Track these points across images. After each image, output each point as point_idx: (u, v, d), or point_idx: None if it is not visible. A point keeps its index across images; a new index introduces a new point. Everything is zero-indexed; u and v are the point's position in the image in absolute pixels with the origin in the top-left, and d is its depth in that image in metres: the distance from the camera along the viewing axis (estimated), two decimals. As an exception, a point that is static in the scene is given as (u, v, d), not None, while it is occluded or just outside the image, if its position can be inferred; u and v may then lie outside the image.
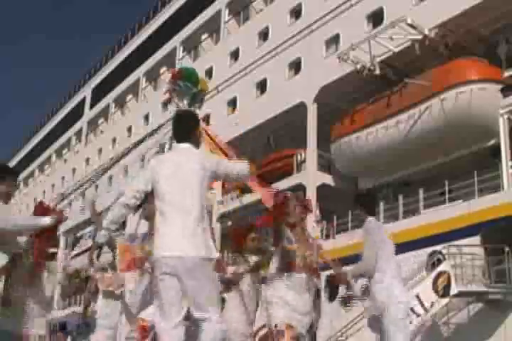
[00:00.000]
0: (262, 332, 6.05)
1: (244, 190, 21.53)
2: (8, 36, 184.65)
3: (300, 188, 24.80)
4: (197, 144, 4.80)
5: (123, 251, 5.20)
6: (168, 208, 4.47)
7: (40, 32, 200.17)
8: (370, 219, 6.09)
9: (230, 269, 6.39)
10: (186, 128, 4.81)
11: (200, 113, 6.62)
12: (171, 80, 6.63)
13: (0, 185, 5.34)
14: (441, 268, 16.99)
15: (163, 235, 4.43)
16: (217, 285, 4.59)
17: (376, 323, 5.86)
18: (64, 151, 54.61)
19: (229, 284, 6.35)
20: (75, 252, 50.08)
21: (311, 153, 25.06)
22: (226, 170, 4.69)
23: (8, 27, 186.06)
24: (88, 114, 50.36)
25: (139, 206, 5.12)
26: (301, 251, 5.84)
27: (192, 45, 36.60)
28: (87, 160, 47.23)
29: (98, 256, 6.30)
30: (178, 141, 4.75)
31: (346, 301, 19.96)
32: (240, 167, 4.76)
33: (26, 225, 5.22)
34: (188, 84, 6.50)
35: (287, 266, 5.84)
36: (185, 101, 6.58)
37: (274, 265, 5.94)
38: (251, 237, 6.63)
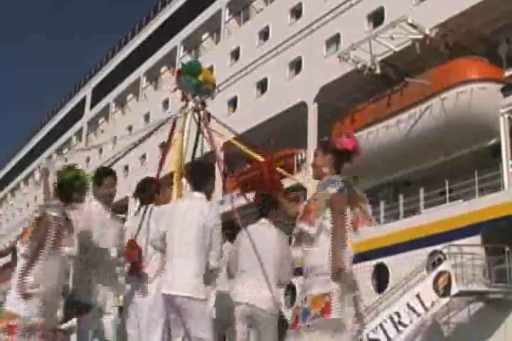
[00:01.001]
0: None
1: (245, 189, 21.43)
2: (8, 36, 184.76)
3: (300, 188, 24.80)
4: (209, 194, 5.35)
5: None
6: (174, 248, 5.11)
7: (40, 32, 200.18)
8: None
9: None
10: (202, 177, 5.36)
11: (206, 106, 6.60)
12: (176, 79, 6.62)
13: (99, 189, 5.68)
14: (441, 267, 17.00)
15: (167, 272, 5.08)
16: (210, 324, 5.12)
17: None
18: (64, 151, 54.64)
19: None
20: None
21: (311, 152, 25.03)
22: (212, 238, 5.17)
23: (8, 27, 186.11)
24: (88, 113, 50.38)
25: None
26: None
27: (192, 45, 36.61)
28: (88, 159, 47.25)
29: None
30: (193, 189, 5.34)
31: None
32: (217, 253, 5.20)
33: None
34: (187, 77, 6.47)
35: None
36: (189, 95, 6.55)
37: None
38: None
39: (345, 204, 4.35)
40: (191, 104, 6.56)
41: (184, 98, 6.64)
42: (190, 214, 5.13)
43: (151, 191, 6.04)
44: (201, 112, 6.55)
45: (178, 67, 7.02)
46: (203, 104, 6.63)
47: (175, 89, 6.70)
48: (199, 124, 6.64)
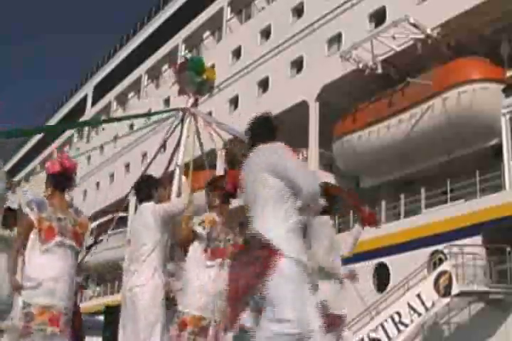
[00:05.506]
0: None
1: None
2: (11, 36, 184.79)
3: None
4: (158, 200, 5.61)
5: None
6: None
7: (43, 30, 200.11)
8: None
9: None
10: (147, 190, 5.67)
11: (205, 103, 6.68)
12: (177, 72, 6.63)
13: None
14: (442, 267, 17.02)
15: None
16: None
17: None
18: (66, 149, 54.62)
19: None
20: None
21: (312, 151, 25.04)
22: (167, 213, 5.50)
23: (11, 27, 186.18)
24: (90, 111, 50.38)
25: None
26: None
27: (194, 43, 36.59)
28: (89, 157, 47.26)
29: None
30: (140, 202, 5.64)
31: None
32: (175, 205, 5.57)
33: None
34: (192, 74, 6.49)
35: None
36: (191, 92, 6.56)
37: None
38: None
39: None
40: (191, 100, 6.58)
41: (182, 93, 6.64)
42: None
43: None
44: (192, 110, 6.56)
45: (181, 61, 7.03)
46: (196, 100, 6.64)
47: (174, 83, 6.72)
48: (196, 125, 6.68)
